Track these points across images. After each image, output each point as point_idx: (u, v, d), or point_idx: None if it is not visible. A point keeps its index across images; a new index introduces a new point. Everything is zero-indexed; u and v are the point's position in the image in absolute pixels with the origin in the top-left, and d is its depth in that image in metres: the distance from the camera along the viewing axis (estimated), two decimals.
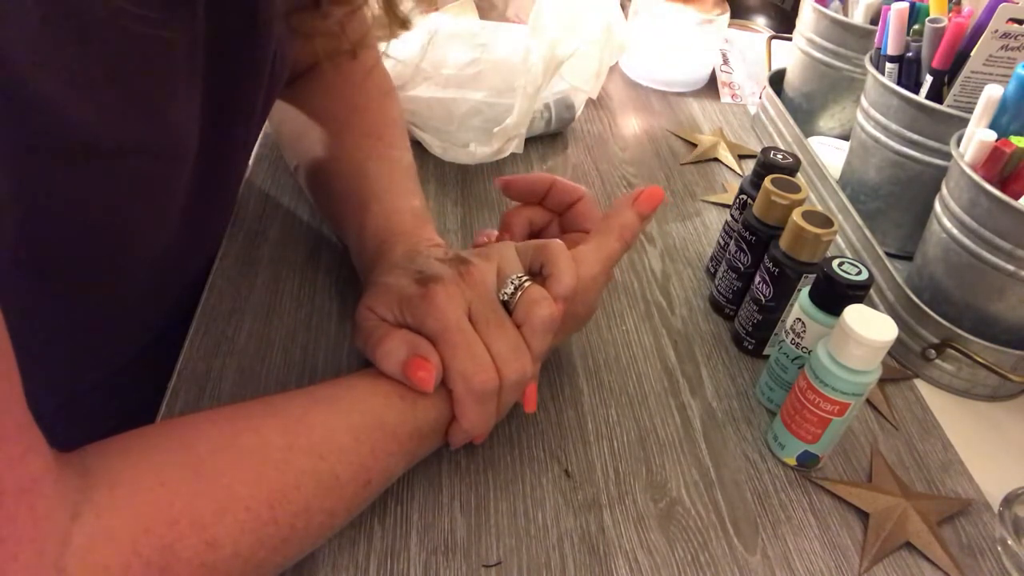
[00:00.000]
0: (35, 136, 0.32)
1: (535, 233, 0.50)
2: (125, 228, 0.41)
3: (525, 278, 0.42)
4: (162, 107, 0.38)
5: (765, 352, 0.57)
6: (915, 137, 0.64)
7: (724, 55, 1.02)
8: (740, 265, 0.58)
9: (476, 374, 0.39)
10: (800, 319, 0.49)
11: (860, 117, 0.70)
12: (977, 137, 0.54)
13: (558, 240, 0.43)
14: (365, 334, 0.42)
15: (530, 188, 0.49)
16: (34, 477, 0.28)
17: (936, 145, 0.63)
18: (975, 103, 0.56)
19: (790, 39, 0.85)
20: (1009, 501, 0.48)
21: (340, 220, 0.55)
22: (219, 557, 0.32)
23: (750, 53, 1.04)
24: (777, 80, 0.89)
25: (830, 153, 0.80)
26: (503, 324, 0.40)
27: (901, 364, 0.60)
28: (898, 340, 0.58)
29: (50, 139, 0.33)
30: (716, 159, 0.82)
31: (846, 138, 0.79)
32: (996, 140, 0.53)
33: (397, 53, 0.65)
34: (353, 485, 0.37)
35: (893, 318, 0.45)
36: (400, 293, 0.41)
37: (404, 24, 0.42)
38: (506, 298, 0.41)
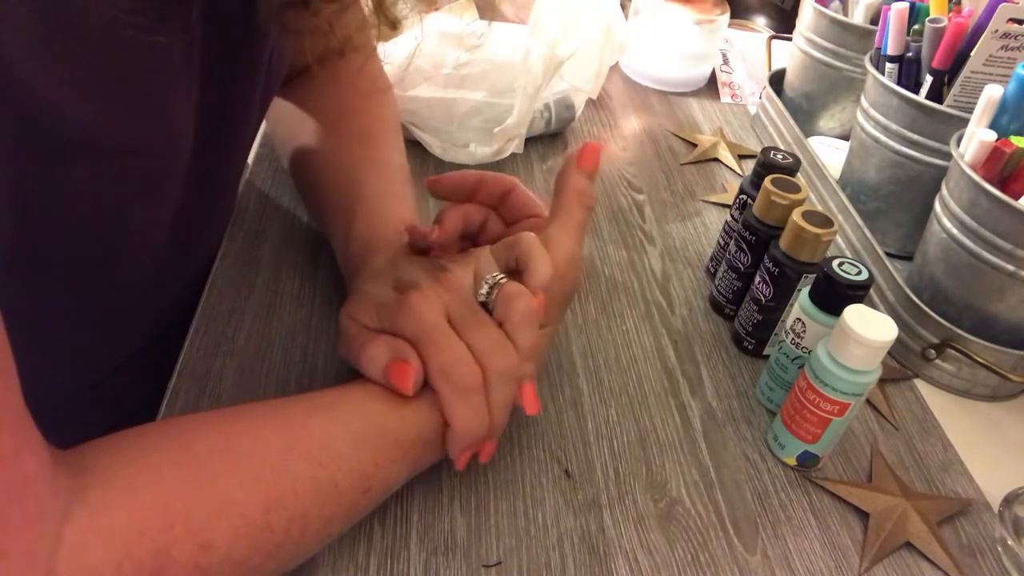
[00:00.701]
0: (32, 135, 0.32)
1: (474, 230, 0.49)
2: (123, 226, 0.41)
3: (500, 276, 0.41)
4: (159, 107, 0.38)
5: (765, 352, 0.57)
6: (915, 137, 0.64)
7: (724, 55, 1.02)
8: (740, 265, 0.58)
9: (455, 368, 0.38)
10: (800, 319, 0.49)
11: (860, 117, 0.70)
12: (977, 137, 0.54)
13: (528, 232, 0.43)
14: (348, 341, 0.42)
15: (456, 186, 0.48)
16: (27, 475, 0.27)
17: (936, 145, 0.63)
18: (975, 103, 0.56)
19: (790, 39, 0.85)
20: (1009, 501, 0.48)
21: (328, 224, 0.55)
22: (213, 561, 0.31)
23: (750, 53, 1.04)
24: (777, 80, 0.89)
25: (830, 153, 0.80)
26: (483, 322, 0.40)
27: (901, 364, 0.60)
28: (898, 340, 0.58)
29: (47, 138, 0.33)
30: (716, 159, 0.82)
31: (846, 138, 0.79)
32: (996, 140, 0.53)
33: (390, 56, 0.64)
34: (352, 493, 0.37)
35: (893, 318, 0.45)
36: (378, 300, 0.41)
37: (394, 25, 0.42)
38: (483, 298, 0.41)
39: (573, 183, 0.45)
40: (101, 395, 0.54)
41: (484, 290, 0.41)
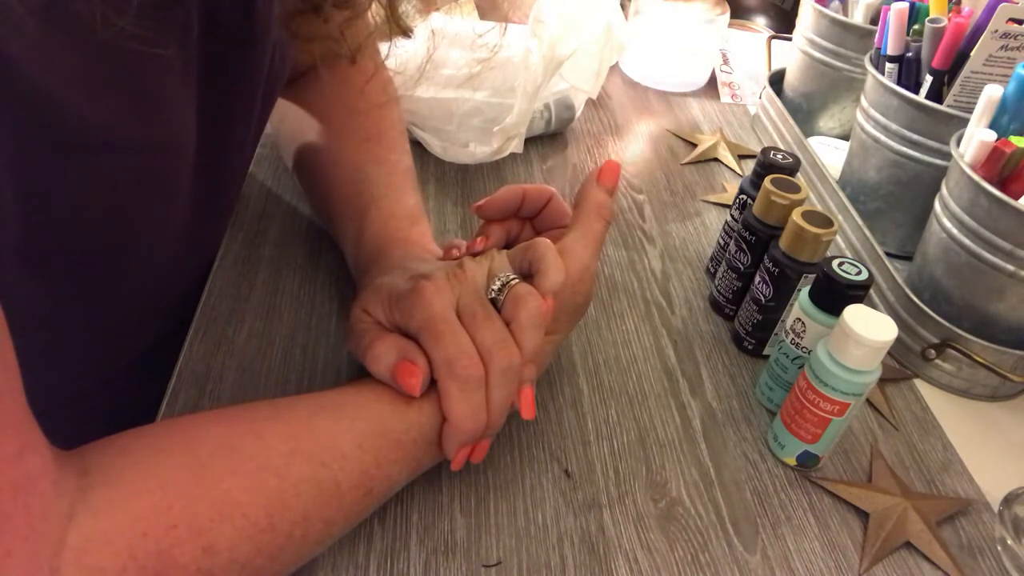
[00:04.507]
0: (37, 132, 0.32)
1: (512, 241, 0.50)
2: (130, 225, 0.41)
3: (512, 277, 0.42)
4: (158, 106, 0.38)
5: (765, 352, 0.57)
6: (915, 137, 0.64)
7: (724, 55, 1.02)
8: (740, 265, 0.58)
9: (459, 359, 0.38)
10: (800, 319, 0.49)
11: (860, 117, 0.70)
12: (977, 137, 0.54)
13: (544, 239, 0.43)
14: (357, 336, 0.42)
15: (505, 205, 0.48)
16: (31, 475, 0.28)
17: (936, 145, 0.63)
18: (975, 103, 0.56)
19: (790, 39, 0.85)
20: (1009, 501, 0.48)
21: (337, 224, 0.55)
22: (215, 563, 0.31)
23: (750, 53, 1.04)
24: (777, 80, 0.89)
25: (830, 153, 0.80)
26: (490, 317, 0.40)
27: (901, 364, 0.60)
28: (898, 340, 0.58)
29: (52, 134, 0.33)
30: (716, 159, 0.82)
31: (846, 138, 0.79)
32: (996, 140, 0.53)
33: (401, 56, 0.64)
34: (354, 493, 0.37)
35: (893, 318, 0.45)
36: (391, 291, 0.42)
37: (405, 33, 0.42)
38: (494, 295, 0.41)
39: (593, 196, 0.46)
40: (102, 396, 0.54)
41: (496, 286, 0.41)
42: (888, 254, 0.64)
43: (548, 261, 0.41)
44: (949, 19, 0.62)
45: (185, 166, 0.43)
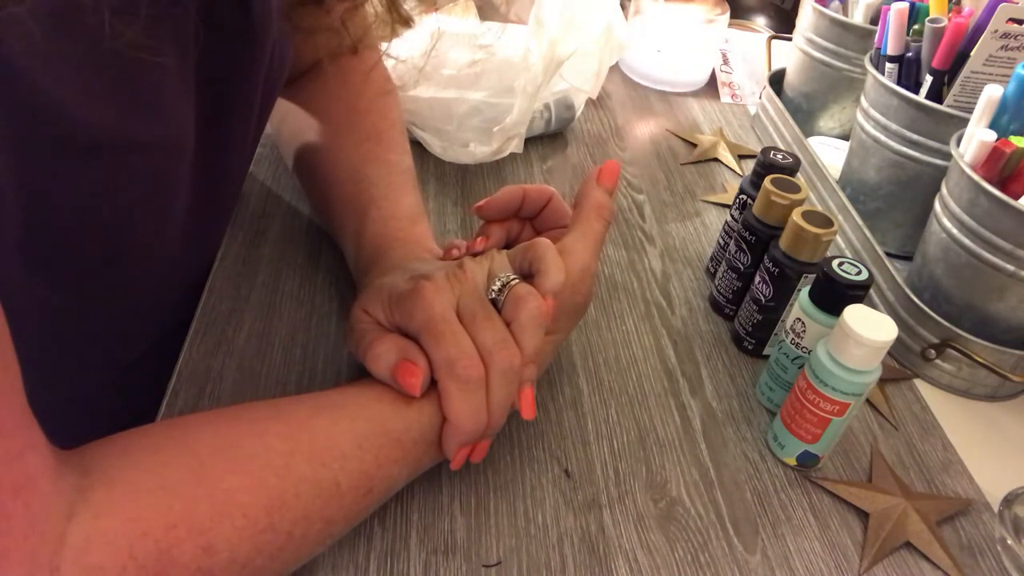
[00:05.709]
0: (38, 132, 0.32)
1: (512, 241, 0.50)
2: (131, 225, 0.41)
3: (512, 277, 0.42)
4: (156, 105, 0.38)
5: (765, 352, 0.57)
6: (915, 137, 0.64)
7: (724, 55, 1.02)
8: (740, 265, 0.58)
9: (459, 359, 0.38)
10: (800, 319, 0.49)
11: (860, 117, 0.70)
12: (977, 137, 0.54)
13: (544, 239, 0.43)
14: (357, 336, 0.42)
15: (506, 206, 0.48)
16: (31, 474, 0.28)
17: (936, 145, 0.63)
18: (975, 103, 0.56)
19: (790, 39, 0.85)
20: (1009, 501, 0.48)
21: (337, 224, 0.55)
22: (215, 563, 0.31)
23: (750, 53, 1.04)
24: (777, 80, 0.90)
25: (830, 153, 0.80)
26: (490, 317, 0.40)
27: (901, 364, 0.60)
28: (898, 340, 0.58)
29: (53, 134, 0.33)
30: (716, 159, 0.82)
31: (846, 138, 0.79)
32: (996, 140, 0.53)
33: (400, 53, 0.64)
34: (354, 493, 0.37)
35: (893, 318, 0.45)
36: (392, 291, 0.42)
37: (406, 22, 0.42)
38: (494, 295, 0.41)
39: (593, 196, 0.46)
40: (102, 396, 0.54)
41: (496, 286, 0.41)
42: (888, 254, 0.64)
43: (548, 261, 0.41)
44: (949, 19, 0.62)
45: (185, 166, 0.43)
